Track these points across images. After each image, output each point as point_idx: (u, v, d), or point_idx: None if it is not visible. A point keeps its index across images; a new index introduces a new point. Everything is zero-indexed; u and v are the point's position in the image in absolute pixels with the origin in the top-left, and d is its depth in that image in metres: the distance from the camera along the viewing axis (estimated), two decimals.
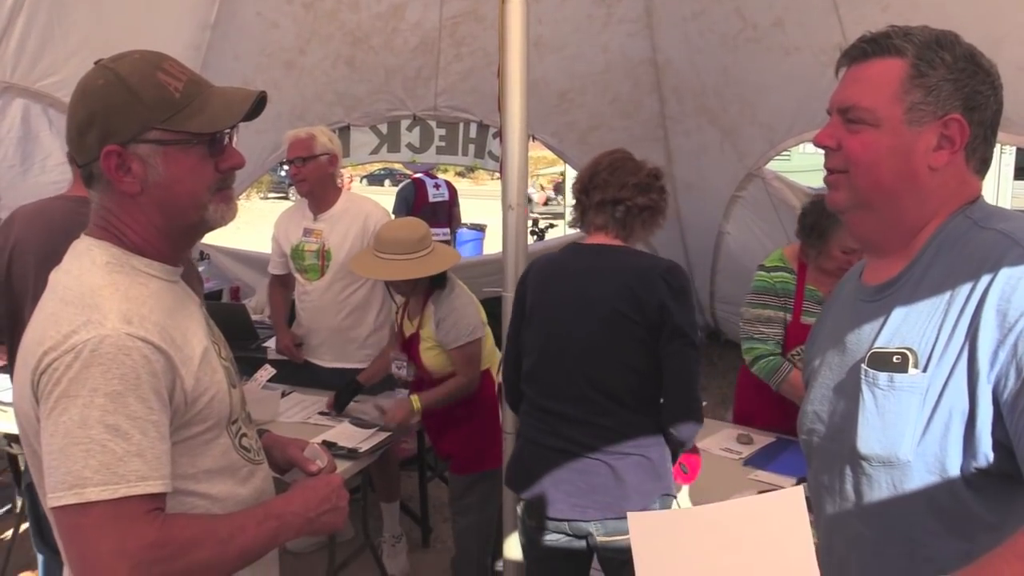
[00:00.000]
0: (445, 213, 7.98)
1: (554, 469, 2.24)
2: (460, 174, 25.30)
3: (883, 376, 1.23)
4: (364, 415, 3.28)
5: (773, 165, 5.79)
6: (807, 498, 1.21)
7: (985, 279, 1.15)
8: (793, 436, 1.77)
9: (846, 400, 1.31)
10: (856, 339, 1.32)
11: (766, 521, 1.12)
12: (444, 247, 3.36)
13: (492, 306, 3.09)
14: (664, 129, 6.11)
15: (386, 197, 7.20)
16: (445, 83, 6.05)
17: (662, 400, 2.22)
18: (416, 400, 3.11)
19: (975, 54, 1.25)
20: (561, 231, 13.26)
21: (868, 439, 1.25)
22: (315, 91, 5.84)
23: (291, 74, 5.61)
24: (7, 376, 3.07)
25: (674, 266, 2.24)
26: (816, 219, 2.89)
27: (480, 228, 12.00)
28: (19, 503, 4.19)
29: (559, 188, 20.61)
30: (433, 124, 6.51)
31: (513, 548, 2.70)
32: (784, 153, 5.82)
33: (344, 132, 6.13)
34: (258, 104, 1.32)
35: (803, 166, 9.91)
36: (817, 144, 1.32)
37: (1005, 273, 1.13)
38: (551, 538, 2.29)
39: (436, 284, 3.17)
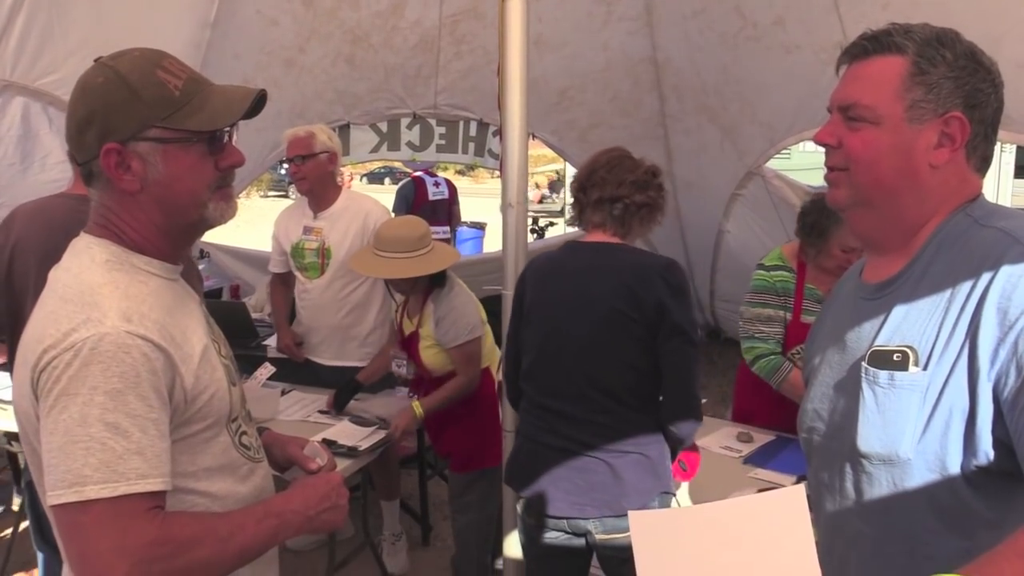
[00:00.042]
0: (445, 211, 7.98)
1: (553, 467, 2.24)
2: (460, 172, 25.26)
3: (883, 374, 1.23)
4: (364, 413, 3.28)
5: (773, 163, 5.79)
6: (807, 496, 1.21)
7: (986, 277, 1.15)
8: (793, 434, 1.77)
9: (846, 398, 1.31)
10: (856, 337, 1.32)
11: (767, 520, 1.12)
12: (444, 246, 3.36)
13: (492, 304, 3.10)
14: (664, 127, 6.11)
15: (386, 195, 7.19)
16: (445, 81, 6.05)
17: (661, 398, 2.22)
18: (418, 406, 3.12)
19: (976, 52, 1.25)
20: (561, 229, 13.26)
21: (868, 437, 1.25)
22: (315, 89, 5.84)
23: (291, 72, 5.61)
24: (7, 374, 3.07)
25: (672, 264, 2.24)
26: (816, 218, 2.89)
27: (480, 226, 12.00)
28: (16, 502, 4.21)
29: (554, 186, 20.62)
30: (433, 122, 6.51)
31: (513, 546, 2.70)
32: (784, 151, 5.82)
33: (344, 130, 6.13)
34: (258, 102, 1.32)
35: (803, 164, 9.91)
36: (818, 142, 1.32)
37: (1006, 271, 1.13)
38: (550, 536, 2.29)
39: (435, 283, 3.17)
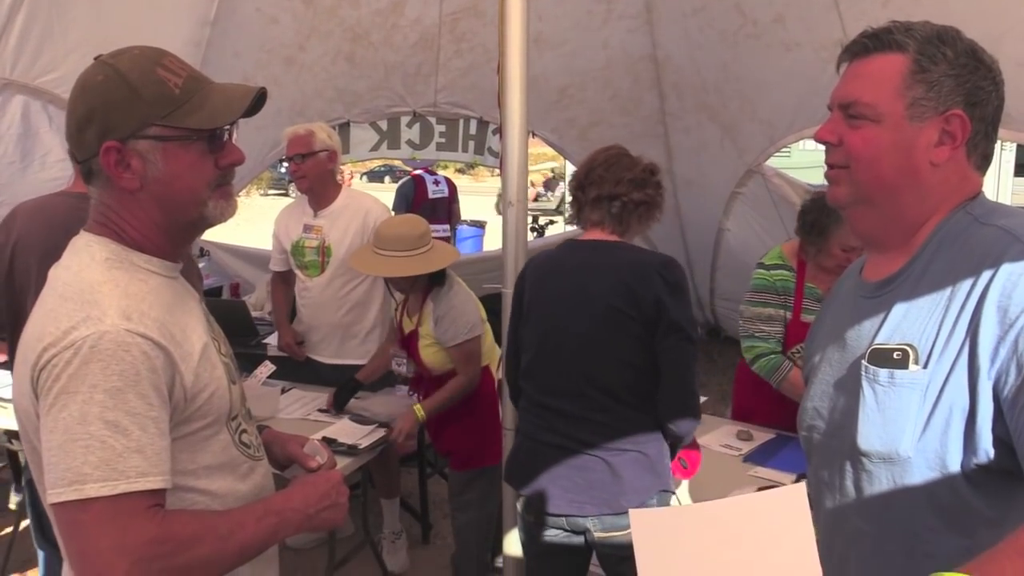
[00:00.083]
0: (445, 210, 7.98)
1: (552, 465, 2.24)
2: (460, 171, 25.25)
3: (883, 372, 1.23)
4: (364, 412, 3.28)
5: (773, 162, 5.79)
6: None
7: (986, 275, 1.15)
8: (793, 432, 1.77)
9: (846, 396, 1.31)
10: (856, 335, 1.32)
11: (768, 518, 1.12)
12: (443, 244, 3.36)
13: (492, 302, 3.10)
14: (664, 125, 6.11)
15: (386, 194, 7.20)
16: (445, 79, 6.05)
17: (659, 396, 2.21)
18: (419, 409, 3.12)
19: (977, 50, 1.25)
20: (560, 227, 13.27)
21: (868, 435, 1.25)
22: (315, 87, 5.84)
23: (291, 70, 5.61)
24: (7, 372, 3.07)
25: (670, 261, 2.24)
26: (817, 217, 2.88)
27: (480, 225, 12.00)
28: (13, 500, 4.21)
29: (549, 184, 20.62)
30: (433, 120, 6.51)
31: (513, 544, 2.70)
32: (784, 150, 5.82)
33: (344, 128, 6.13)
34: (258, 100, 1.32)
35: (803, 163, 9.90)
36: (818, 139, 1.32)
37: (1006, 269, 1.13)
38: (550, 534, 2.29)
39: (435, 281, 3.17)
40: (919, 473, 1.21)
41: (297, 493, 1.39)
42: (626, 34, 5.61)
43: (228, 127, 1.31)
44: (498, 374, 3.20)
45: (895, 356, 1.22)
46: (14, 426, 1.38)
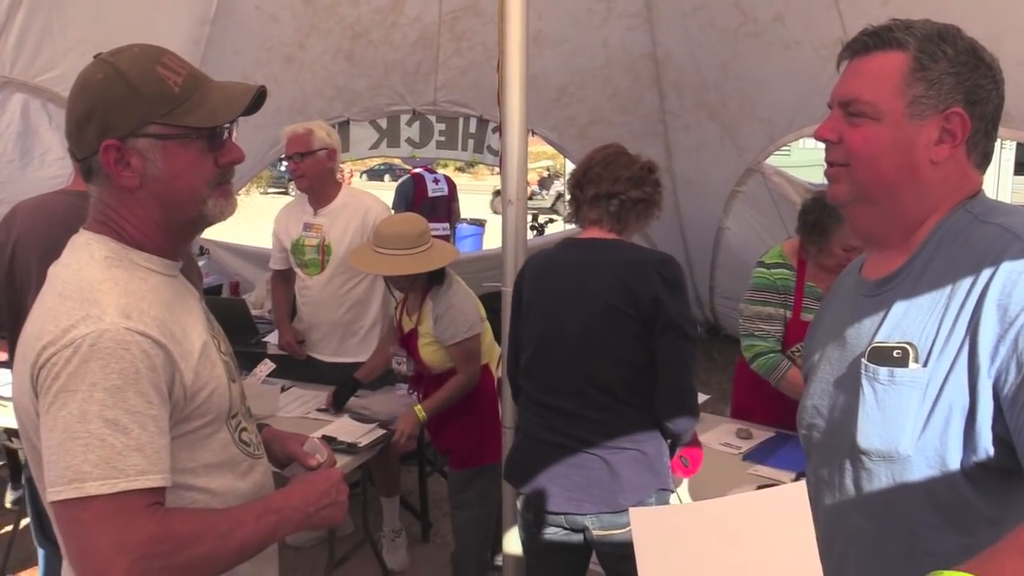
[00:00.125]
0: (444, 208, 7.98)
1: (551, 464, 2.24)
2: (460, 169, 25.24)
3: (883, 371, 1.23)
4: (364, 410, 3.28)
5: (773, 160, 5.79)
6: None
7: (986, 274, 1.15)
8: (792, 430, 1.77)
9: (846, 395, 1.31)
10: (856, 333, 1.32)
11: (769, 516, 1.12)
12: (443, 243, 3.36)
13: (492, 301, 3.10)
14: (664, 124, 6.11)
15: (386, 192, 7.20)
16: (445, 78, 6.04)
17: (656, 394, 2.21)
18: (420, 411, 3.12)
19: (977, 48, 1.25)
20: (560, 226, 13.27)
21: (868, 434, 1.25)
22: (315, 86, 5.84)
23: (290, 69, 5.61)
24: (6, 370, 3.07)
25: (668, 258, 2.24)
26: (818, 216, 2.87)
27: (479, 223, 12.02)
28: (8, 498, 4.22)
29: (544, 183, 20.63)
30: (433, 119, 6.51)
31: (512, 542, 2.70)
32: (784, 148, 5.82)
33: (344, 127, 6.13)
34: (258, 99, 1.32)
35: (803, 161, 9.90)
36: (818, 137, 1.32)
37: (1006, 268, 1.13)
38: (549, 532, 2.29)
39: (434, 280, 3.17)
40: (919, 471, 1.21)
41: (297, 491, 1.39)
42: (626, 32, 5.61)
43: (228, 125, 1.31)
44: (498, 372, 3.20)
45: (895, 354, 1.22)
46: (14, 424, 1.38)
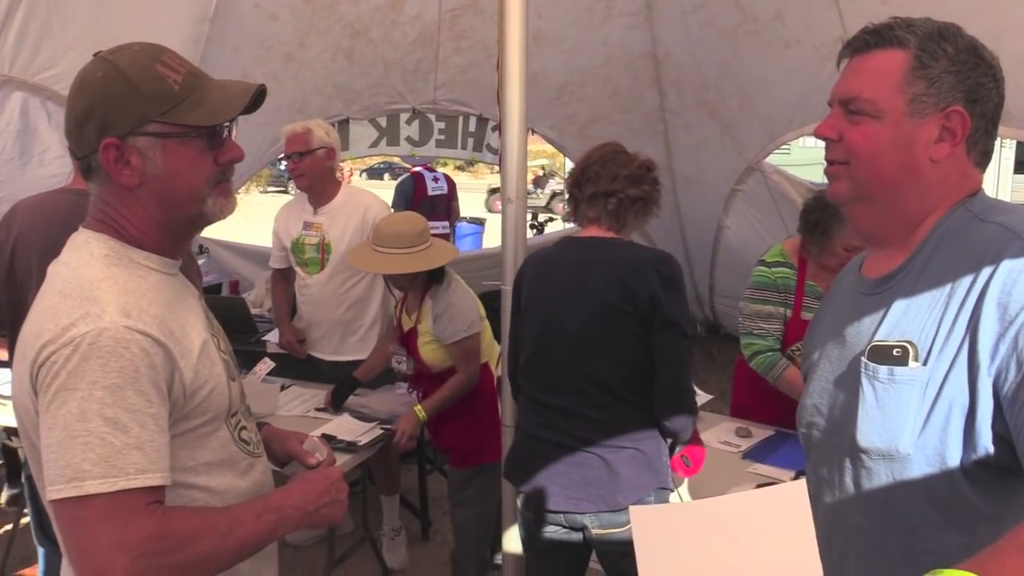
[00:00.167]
0: (444, 207, 7.98)
1: (550, 462, 2.24)
2: (459, 168, 25.25)
3: (883, 369, 1.23)
4: (364, 409, 3.28)
5: (773, 159, 5.79)
6: None
7: (986, 272, 1.15)
8: (792, 429, 1.77)
9: (846, 393, 1.31)
10: (856, 332, 1.32)
11: (769, 515, 1.12)
12: (442, 242, 3.36)
13: (491, 300, 3.10)
14: (664, 123, 6.11)
15: (386, 191, 7.20)
16: (444, 76, 6.04)
17: (654, 392, 2.21)
18: (420, 410, 3.13)
19: (977, 46, 1.25)
20: (560, 225, 13.26)
21: (868, 432, 1.25)
22: (314, 84, 5.83)
23: (290, 67, 5.60)
24: (6, 369, 3.07)
25: (666, 256, 2.24)
26: (820, 216, 2.87)
27: (479, 222, 12.02)
28: (3, 496, 4.22)
29: (539, 182, 20.64)
30: (432, 117, 6.51)
31: (512, 541, 2.70)
32: (784, 147, 5.82)
33: (343, 125, 6.13)
34: (257, 97, 1.32)
35: (803, 160, 9.91)
36: (818, 135, 1.32)
37: (1006, 266, 1.13)
38: (549, 531, 2.29)
39: (434, 279, 3.17)
40: (918, 470, 1.21)
41: (296, 490, 1.38)
42: (626, 31, 5.61)
43: (227, 124, 1.31)
44: (497, 371, 3.20)
45: (895, 353, 1.22)
46: (13, 423, 1.38)
